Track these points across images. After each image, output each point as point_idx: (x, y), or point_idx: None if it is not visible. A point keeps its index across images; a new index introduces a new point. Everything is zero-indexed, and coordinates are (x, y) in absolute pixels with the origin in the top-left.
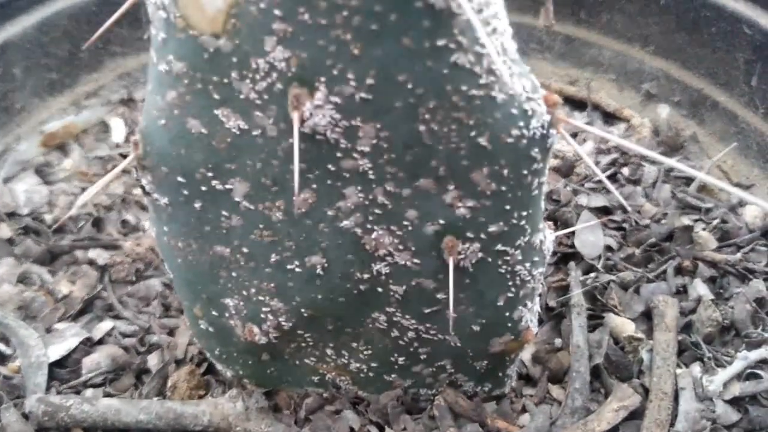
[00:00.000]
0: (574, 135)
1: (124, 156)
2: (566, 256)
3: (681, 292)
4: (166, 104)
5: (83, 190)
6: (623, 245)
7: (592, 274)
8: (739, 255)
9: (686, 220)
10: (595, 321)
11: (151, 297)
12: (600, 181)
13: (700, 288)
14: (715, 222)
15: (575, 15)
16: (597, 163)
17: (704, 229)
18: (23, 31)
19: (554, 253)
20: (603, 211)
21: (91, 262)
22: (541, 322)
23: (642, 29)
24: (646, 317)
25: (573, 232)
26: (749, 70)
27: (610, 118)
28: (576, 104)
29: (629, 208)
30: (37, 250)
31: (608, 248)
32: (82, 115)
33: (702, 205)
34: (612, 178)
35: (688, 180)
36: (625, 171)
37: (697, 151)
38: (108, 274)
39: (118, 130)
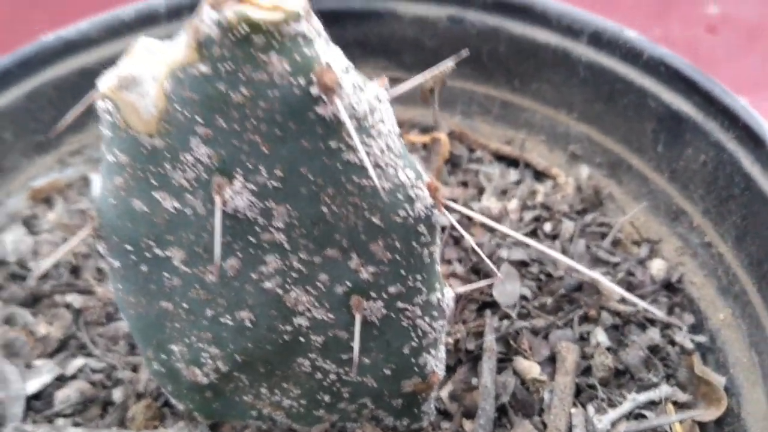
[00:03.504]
0: (504, 192)
1: None
2: (486, 303)
3: (585, 338)
4: (114, 187)
5: (65, 240)
6: (538, 295)
7: (507, 321)
8: (639, 305)
9: (595, 273)
10: (506, 363)
11: (119, 337)
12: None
13: (599, 335)
14: (620, 275)
15: (510, 83)
16: (521, 219)
17: (611, 281)
18: (14, 100)
19: (475, 301)
20: (522, 264)
21: (68, 306)
22: (460, 362)
23: (566, 97)
24: (552, 361)
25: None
26: (656, 139)
27: (540, 175)
28: (511, 162)
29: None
30: (22, 295)
31: (524, 297)
32: (67, 171)
33: (611, 259)
34: (533, 233)
35: (604, 235)
36: (547, 226)
37: (614, 208)
38: (82, 316)
39: (98, 185)
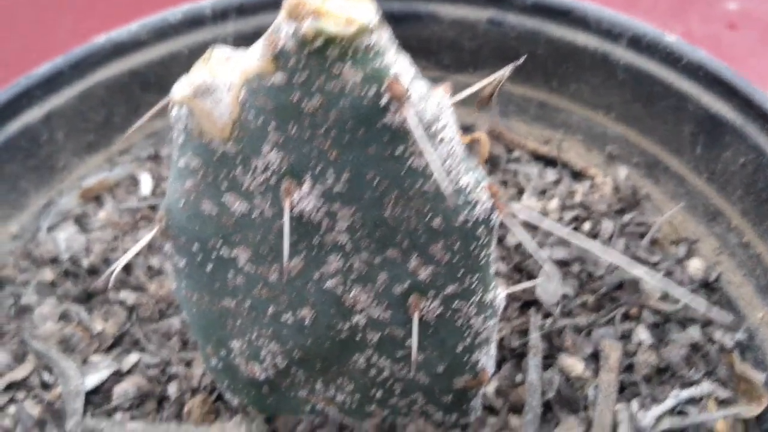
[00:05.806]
0: (543, 192)
1: (151, 207)
2: (529, 302)
3: (627, 336)
4: (185, 190)
5: (115, 237)
6: (580, 293)
7: (550, 319)
8: (679, 304)
9: (640, 270)
10: (550, 360)
11: (172, 333)
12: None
13: (641, 333)
14: (659, 274)
15: (548, 84)
16: (560, 219)
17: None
18: (66, 101)
19: (518, 299)
20: (564, 263)
21: (121, 302)
22: (505, 359)
23: (604, 98)
24: (595, 358)
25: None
26: (694, 141)
27: (577, 175)
28: (548, 162)
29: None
30: (76, 291)
31: (566, 296)
32: (115, 170)
33: (650, 258)
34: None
35: (642, 234)
36: (586, 226)
37: (651, 208)
38: (135, 312)
39: (146, 184)
